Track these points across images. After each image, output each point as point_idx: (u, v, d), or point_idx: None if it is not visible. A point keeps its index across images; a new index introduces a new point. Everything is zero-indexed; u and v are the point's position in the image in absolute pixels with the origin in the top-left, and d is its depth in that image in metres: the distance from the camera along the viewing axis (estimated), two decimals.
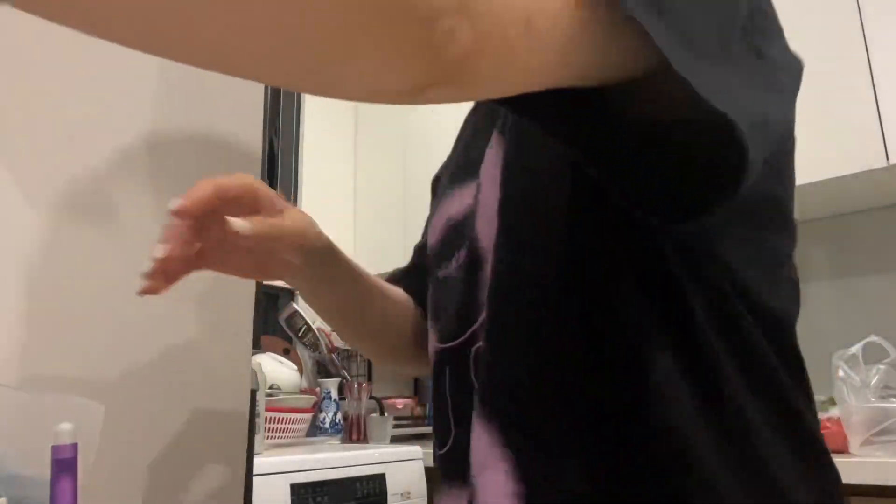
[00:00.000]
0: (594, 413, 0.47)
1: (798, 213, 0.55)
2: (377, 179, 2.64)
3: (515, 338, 0.51)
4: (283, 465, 1.40)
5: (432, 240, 0.67)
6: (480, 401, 0.52)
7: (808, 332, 0.66)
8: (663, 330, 0.47)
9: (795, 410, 0.49)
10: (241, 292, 0.74)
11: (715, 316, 0.47)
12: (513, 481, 0.48)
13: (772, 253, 0.52)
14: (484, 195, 0.57)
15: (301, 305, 1.92)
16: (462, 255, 0.59)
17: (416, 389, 2.58)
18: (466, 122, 0.72)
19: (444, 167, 0.75)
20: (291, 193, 2.36)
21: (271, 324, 2.07)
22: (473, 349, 0.55)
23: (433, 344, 0.62)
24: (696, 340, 0.47)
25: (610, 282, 0.48)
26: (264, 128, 0.82)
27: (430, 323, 0.65)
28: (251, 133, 0.80)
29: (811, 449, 0.49)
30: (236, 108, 0.78)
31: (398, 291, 0.76)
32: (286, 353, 2.04)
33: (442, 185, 0.70)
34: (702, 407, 0.45)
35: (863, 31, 1.60)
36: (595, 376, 0.47)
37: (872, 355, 1.38)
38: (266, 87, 0.84)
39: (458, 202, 0.62)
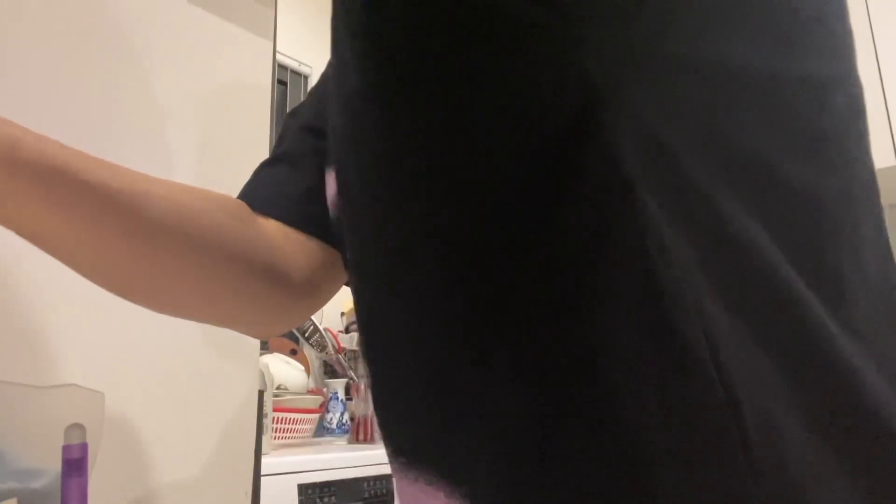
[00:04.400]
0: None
1: None
2: None
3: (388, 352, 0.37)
4: (290, 465, 1.40)
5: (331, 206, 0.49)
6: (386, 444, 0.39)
7: None
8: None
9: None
10: None
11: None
12: None
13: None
14: None
15: None
16: None
17: None
18: None
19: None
20: None
21: None
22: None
23: None
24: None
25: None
26: (271, 131, 0.83)
27: None
28: (258, 136, 0.80)
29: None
30: (244, 112, 0.78)
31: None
32: (293, 353, 2.04)
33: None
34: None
35: (871, 30, 1.60)
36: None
37: None
38: (273, 92, 0.84)
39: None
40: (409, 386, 0.36)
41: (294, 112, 0.57)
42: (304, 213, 0.51)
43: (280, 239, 0.51)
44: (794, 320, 0.29)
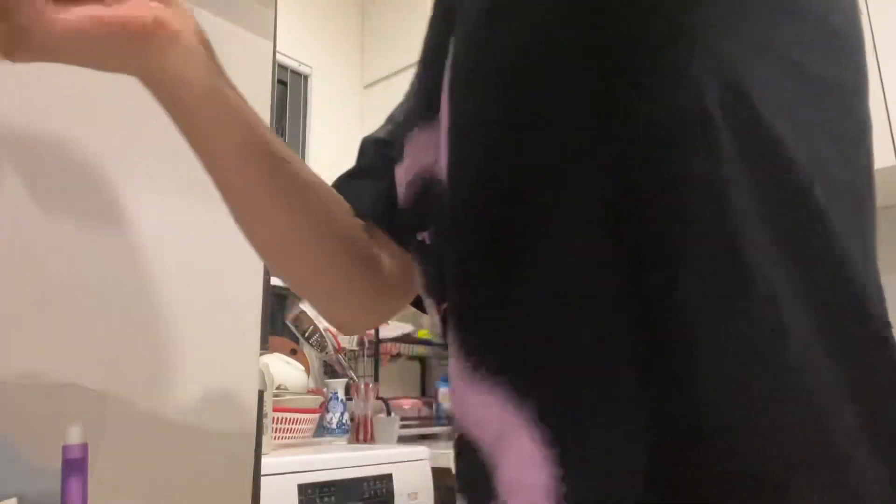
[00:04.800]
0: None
1: None
2: None
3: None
4: (290, 465, 1.40)
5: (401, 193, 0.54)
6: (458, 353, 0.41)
7: None
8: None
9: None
10: (249, 293, 0.74)
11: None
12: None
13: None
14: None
15: (307, 307, 1.93)
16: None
17: (424, 390, 2.58)
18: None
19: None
20: None
21: (279, 324, 2.07)
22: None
23: None
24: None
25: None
26: (271, 127, 0.83)
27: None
28: None
29: None
30: None
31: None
32: (293, 353, 2.04)
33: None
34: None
35: (871, 30, 1.60)
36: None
37: None
38: (273, 87, 0.84)
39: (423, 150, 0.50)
40: (492, 290, 0.39)
41: (371, 135, 0.67)
42: (391, 217, 0.57)
43: (371, 239, 0.58)
44: (839, 272, 0.35)
